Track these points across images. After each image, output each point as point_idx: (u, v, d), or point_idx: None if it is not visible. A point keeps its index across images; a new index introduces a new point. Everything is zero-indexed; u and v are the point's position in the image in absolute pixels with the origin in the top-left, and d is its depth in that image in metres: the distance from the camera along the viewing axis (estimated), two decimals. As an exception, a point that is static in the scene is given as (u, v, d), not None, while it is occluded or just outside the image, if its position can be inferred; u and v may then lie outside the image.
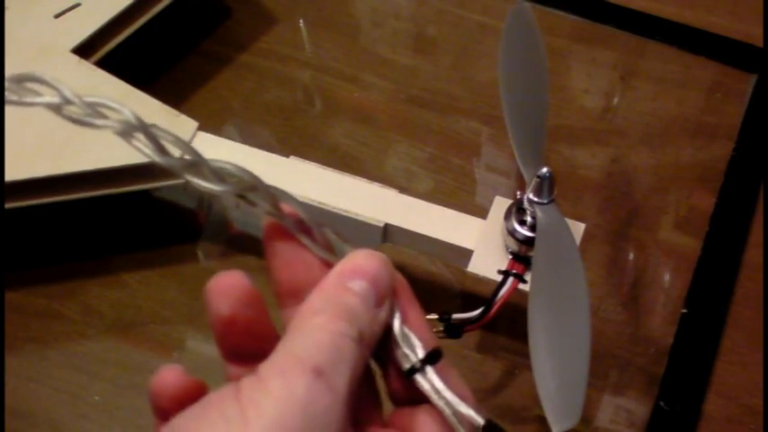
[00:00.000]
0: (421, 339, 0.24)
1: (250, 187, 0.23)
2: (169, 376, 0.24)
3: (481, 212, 0.42)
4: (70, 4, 0.49)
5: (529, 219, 0.39)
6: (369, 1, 0.62)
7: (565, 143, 0.53)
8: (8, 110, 0.39)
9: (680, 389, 0.43)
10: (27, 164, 0.42)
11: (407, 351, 0.24)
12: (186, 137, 0.44)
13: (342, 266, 0.24)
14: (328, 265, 0.25)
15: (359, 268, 0.24)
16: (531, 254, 0.38)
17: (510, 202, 0.41)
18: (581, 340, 0.35)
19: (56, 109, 0.21)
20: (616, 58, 0.58)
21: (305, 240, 0.24)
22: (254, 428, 0.20)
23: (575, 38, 0.59)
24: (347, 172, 0.43)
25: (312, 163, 0.44)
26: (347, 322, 0.22)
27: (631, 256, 0.48)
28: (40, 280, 0.46)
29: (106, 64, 0.48)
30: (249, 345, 0.24)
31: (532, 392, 0.34)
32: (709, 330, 0.45)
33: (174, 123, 0.44)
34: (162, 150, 0.22)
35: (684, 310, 0.45)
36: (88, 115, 0.21)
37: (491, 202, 0.42)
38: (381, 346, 0.24)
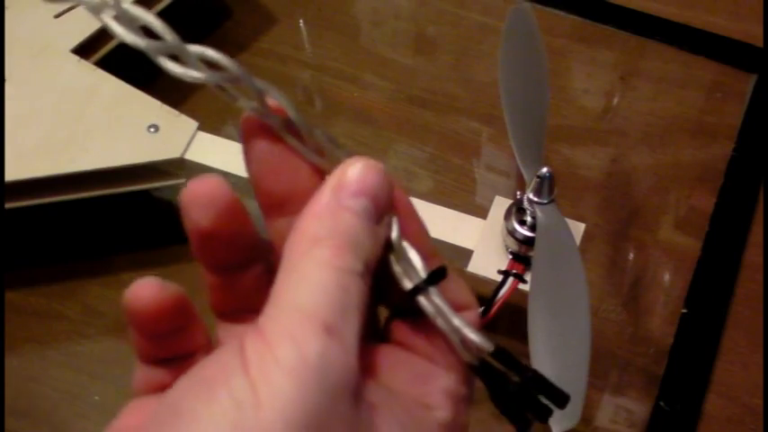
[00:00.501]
0: (422, 254, 0.22)
1: (233, 78, 0.21)
2: (145, 292, 0.21)
3: (481, 212, 0.41)
4: (70, 5, 0.49)
5: (529, 219, 0.39)
6: (369, 1, 0.62)
7: (565, 143, 0.53)
8: (9, 110, 0.39)
9: (680, 389, 0.43)
10: (27, 164, 0.42)
11: (408, 269, 0.21)
12: (186, 137, 0.44)
13: (338, 180, 0.21)
14: (319, 173, 0.22)
15: (358, 182, 0.21)
16: (531, 254, 0.38)
17: (510, 202, 0.41)
18: (581, 340, 0.35)
19: None
20: (616, 58, 0.58)
21: (293, 142, 0.22)
22: (268, 412, 0.17)
23: (575, 38, 0.59)
24: (347, 172, 0.43)
25: (312, 163, 0.43)
26: (352, 255, 0.20)
27: (631, 256, 0.48)
28: (40, 280, 0.46)
29: (106, 64, 0.48)
30: (231, 257, 0.22)
31: (532, 392, 0.34)
32: (709, 330, 0.45)
33: (174, 123, 0.44)
34: (134, 30, 0.20)
35: (684, 310, 0.45)
36: None
37: (491, 202, 0.42)
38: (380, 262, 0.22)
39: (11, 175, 0.42)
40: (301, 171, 0.22)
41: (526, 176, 0.40)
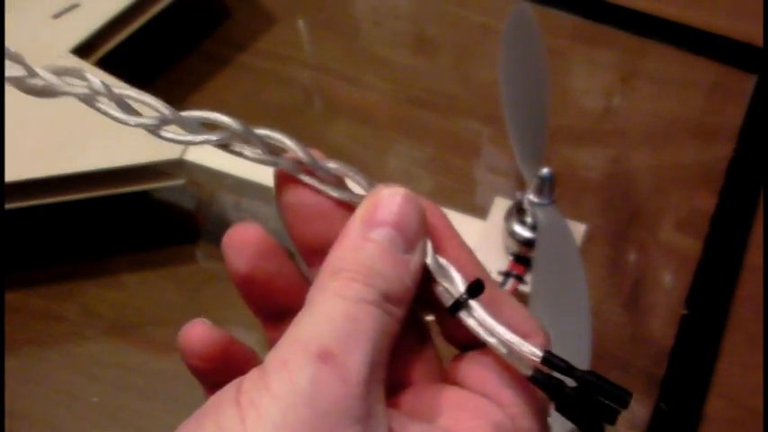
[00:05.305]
0: (464, 271, 0.21)
1: (235, 136, 0.21)
2: (195, 332, 0.22)
3: (481, 213, 0.41)
4: (69, 5, 0.49)
5: (529, 220, 0.39)
6: (369, 1, 0.62)
7: (565, 144, 0.53)
8: (8, 111, 0.39)
9: (680, 390, 0.43)
10: (27, 164, 0.42)
11: (447, 285, 0.21)
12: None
13: (361, 212, 0.20)
14: (351, 210, 0.21)
15: (379, 212, 0.20)
16: (531, 255, 0.38)
17: (510, 203, 0.40)
18: (581, 342, 0.35)
19: (18, 83, 0.21)
20: (617, 58, 0.58)
21: (310, 182, 0.21)
22: None
23: (575, 38, 0.59)
24: (347, 172, 0.43)
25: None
26: (363, 284, 0.19)
27: (632, 257, 0.48)
28: (39, 281, 0.46)
29: (106, 64, 0.48)
30: (280, 302, 0.22)
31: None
32: (709, 331, 0.45)
33: (174, 124, 0.44)
34: (131, 112, 0.21)
35: (685, 312, 0.45)
36: (53, 85, 0.20)
37: (491, 202, 0.42)
38: (426, 289, 0.21)
39: (11, 175, 0.41)
40: (332, 214, 0.21)
41: (526, 177, 0.40)
